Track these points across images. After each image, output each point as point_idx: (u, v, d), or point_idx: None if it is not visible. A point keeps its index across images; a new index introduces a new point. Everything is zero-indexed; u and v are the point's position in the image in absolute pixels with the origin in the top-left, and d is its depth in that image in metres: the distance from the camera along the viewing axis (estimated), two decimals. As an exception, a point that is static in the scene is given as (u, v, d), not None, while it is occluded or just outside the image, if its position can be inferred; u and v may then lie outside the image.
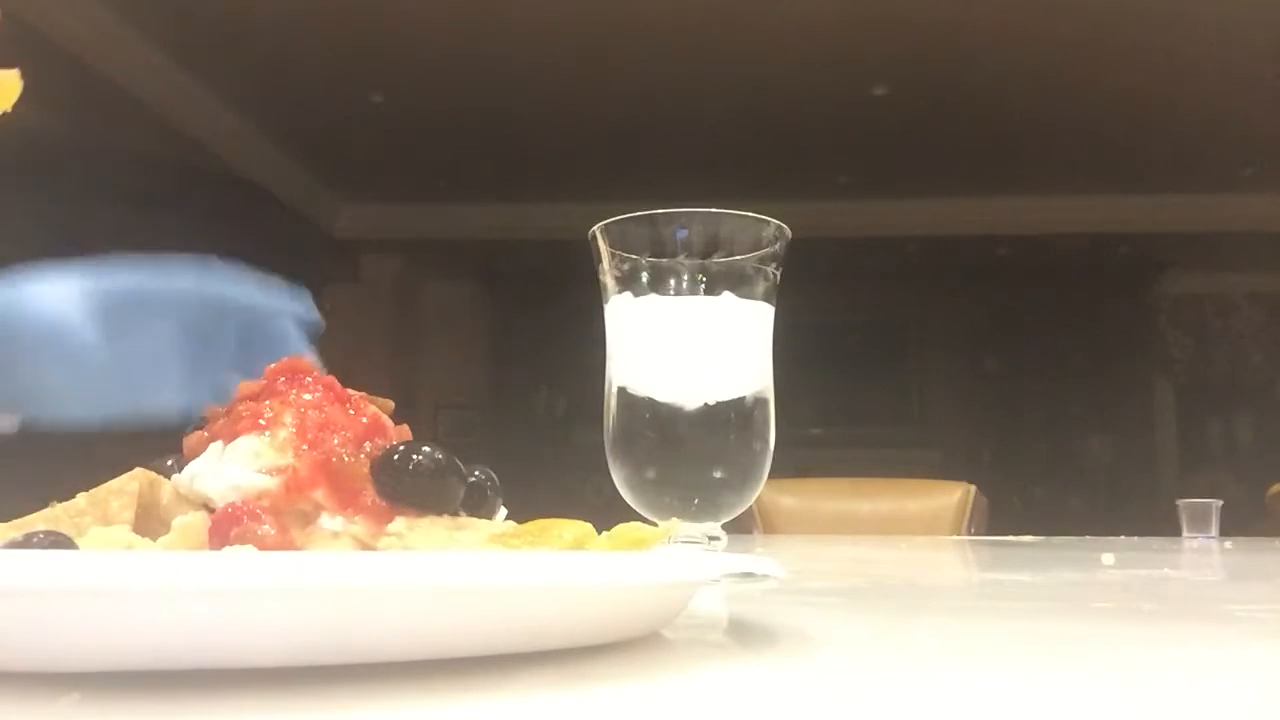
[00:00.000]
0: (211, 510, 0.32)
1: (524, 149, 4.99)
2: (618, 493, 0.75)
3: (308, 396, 0.34)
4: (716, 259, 0.74)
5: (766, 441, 0.75)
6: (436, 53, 4.07)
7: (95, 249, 0.47)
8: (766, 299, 0.76)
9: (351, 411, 0.35)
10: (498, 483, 0.36)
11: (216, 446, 0.33)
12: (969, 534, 2.00)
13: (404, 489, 0.32)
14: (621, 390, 0.75)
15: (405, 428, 0.37)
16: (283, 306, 0.49)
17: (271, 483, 0.32)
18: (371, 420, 0.35)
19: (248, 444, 0.32)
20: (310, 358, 0.42)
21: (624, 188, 3.01)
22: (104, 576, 0.22)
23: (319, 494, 0.32)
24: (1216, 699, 0.26)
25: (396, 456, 0.33)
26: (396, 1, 3.69)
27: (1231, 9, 3.64)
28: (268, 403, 0.34)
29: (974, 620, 0.45)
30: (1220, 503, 1.70)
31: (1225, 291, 6.00)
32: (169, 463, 0.35)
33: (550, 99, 4.46)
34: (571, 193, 4.53)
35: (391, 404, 0.37)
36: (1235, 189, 5.25)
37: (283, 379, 0.35)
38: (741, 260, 0.75)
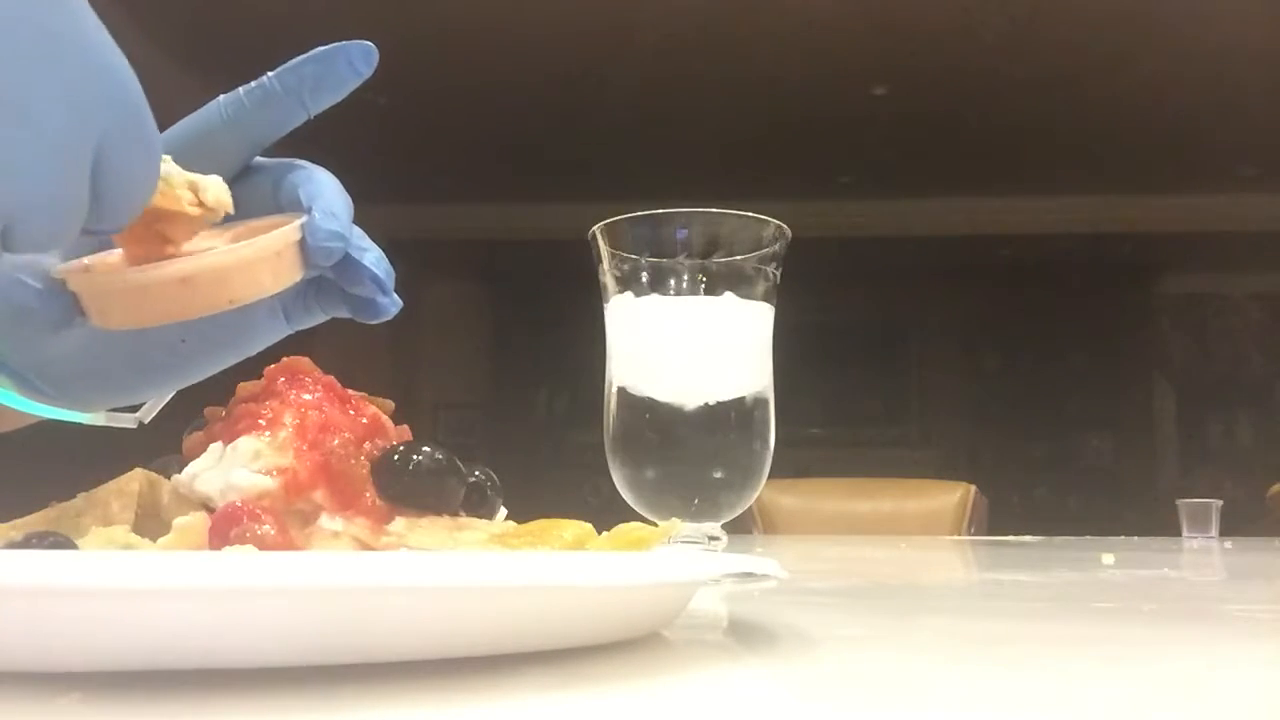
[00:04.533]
0: (211, 510, 0.32)
1: (524, 149, 4.99)
2: (618, 493, 0.75)
3: (308, 397, 0.34)
4: (717, 259, 0.74)
5: (766, 441, 0.75)
6: (437, 53, 4.07)
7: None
8: (766, 299, 0.76)
9: (351, 412, 0.35)
10: (498, 483, 0.36)
11: (216, 447, 0.33)
12: (969, 534, 2.00)
13: (404, 489, 0.32)
14: (621, 390, 0.75)
15: (405, 428, 0.37)
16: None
17: (271, 483, 0.32)
18: (371, 420, 0.35)
19: (248, 444, 0.32)
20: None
21: (624, 188, 3.02)
22: (104, 576, 0.22)
23: (319, 494, 0.32)
24: (1216, 699, 0.26)
25: (396, 457, 0.33)
26: (397, 2, 3.70)
27: (1231, 10, 3.64)
28: (267, 403, 0.34)
29: (974, 620, 0.45)
30: (1220, 503, 1.70)
31: (1225, 291, 5.99)
32: (169, 463, 0.35)
33: (550, 99, 4.46)
34: (571, 193, 4.53)
35: (391, 404, 0.37)
36: (1235, 189, 5.25)
37: (283, 379, 0.35)
38: (742, 260, 0.75)
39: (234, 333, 0.42)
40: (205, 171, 0.37)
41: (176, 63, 3.91)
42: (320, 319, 0.43)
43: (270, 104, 0.38)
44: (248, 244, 0.35)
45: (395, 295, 0.41)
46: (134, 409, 0.43)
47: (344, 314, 0.42)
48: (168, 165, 0.33)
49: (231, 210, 0.35)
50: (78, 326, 0.36)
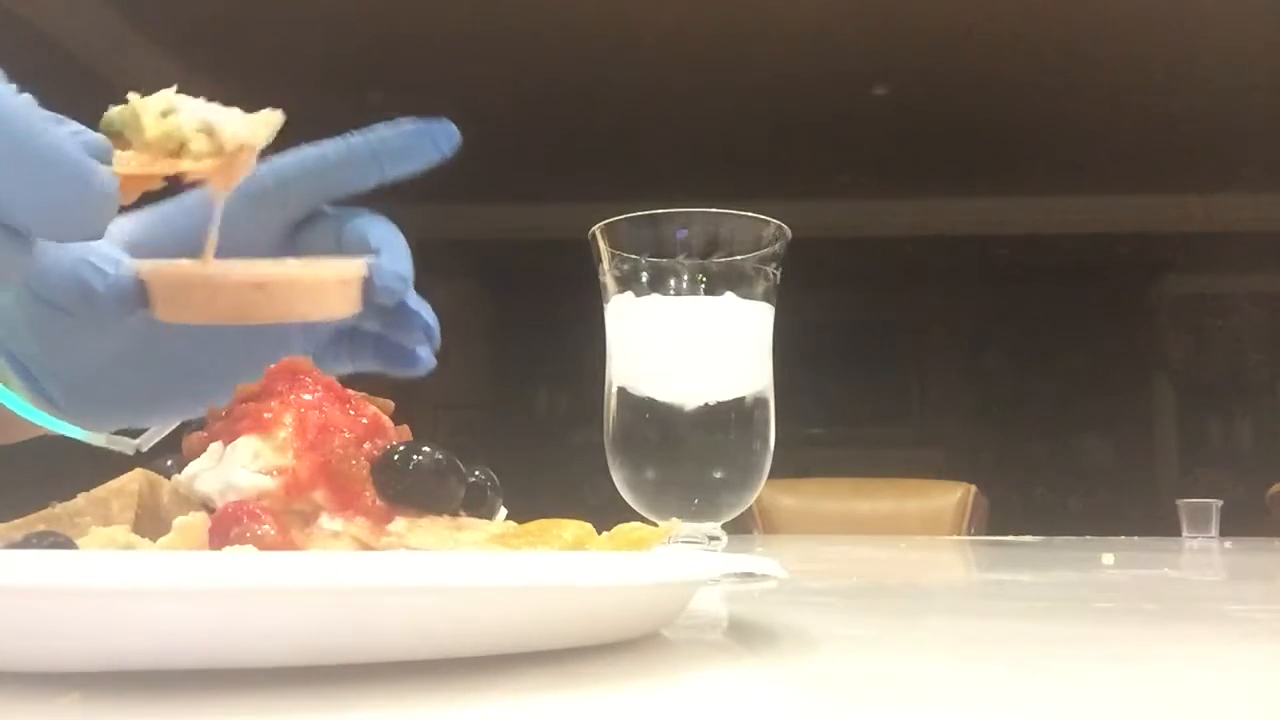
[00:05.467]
0: (211, 510, 0.32)
1: (523, 149, 4.99)
2: (618, 493, 0.75)
3: (307, 397, 0.34)
4: (717, 259, 0.74)
5: (766, 441, 0.75)
6: (436, 53, 4.07)
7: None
8: (766, 299, 0.76)
9: (351, 412, 0.34)
10: (498, 483, 0.36)
11: (216, 447, 0.33)
12: (969, 534, 2.00)
13: (404, 489, 0.32)
14: (621, 390, 0.75)
15: (405, 428, 0.37)
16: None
17: (271, 483, 0.32)
18: (371, 420, 0.35)
19: (248, 444, 0.32)
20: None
21: (624, 188, 3.02)
22: (104, 576, 0.22)
23: (319, 494, 0.32)
24: (1216, 699, 0.26)
25: (396, 457, 0.33)
26: (396, 2, 3.69)
27: (1231, 10, 3.63)
28: (268, 403, 0.34)
29: (974, 620, 0.45)
30: (1220, 503, 1.70)
31: (1225, 291, 5.99)
32: (169, 463, 0.35)
33: (550, 99, 4.46)
34: (571, 193, 4.53)
35: (391, 404, 0.37)
36: (1235, 189, 5.25)
37: (283, 379, 0.35)
38: (742, 260, 0.75)
39: (261, 369, 0.43)
40: (275, 217, 0.40)
41: (175, 62, 3.91)
42: (347, 369, 0.45)
43: (352, 164, 0.40)
44: (322, 263, 0.37)
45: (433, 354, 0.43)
46: (134, 434, 0.43)
47: (372, 368, 0.44)
48: (174, 100, 0.33)
49: (256, 144, 0.35)
50: (136, 317, 0.37)
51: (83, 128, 0.33)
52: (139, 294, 0.37)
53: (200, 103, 0.35)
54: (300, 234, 0.42)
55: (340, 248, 0.41)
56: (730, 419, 0.73)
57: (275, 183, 0.41)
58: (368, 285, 0.38)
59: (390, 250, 0.40)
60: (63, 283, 0.38)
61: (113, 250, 0.38)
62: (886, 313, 6.02)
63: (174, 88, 0.35)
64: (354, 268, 0.38)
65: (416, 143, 0.41)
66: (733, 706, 0.25)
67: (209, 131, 0.34)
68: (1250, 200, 5.34)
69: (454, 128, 0.41)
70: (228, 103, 0.37)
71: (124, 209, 0.35)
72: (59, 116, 0.32)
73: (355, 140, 0.40)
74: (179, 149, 0.34)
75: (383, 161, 0.40)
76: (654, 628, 0.33)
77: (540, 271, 5.39)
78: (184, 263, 0.38)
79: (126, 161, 0.33)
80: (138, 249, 0.39)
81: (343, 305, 0.37)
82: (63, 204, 0.31)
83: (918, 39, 3.95)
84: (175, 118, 0.34)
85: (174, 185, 0.37)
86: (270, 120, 0.36)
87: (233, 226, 0.38)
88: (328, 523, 0.32)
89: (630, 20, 3.87)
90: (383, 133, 0.40)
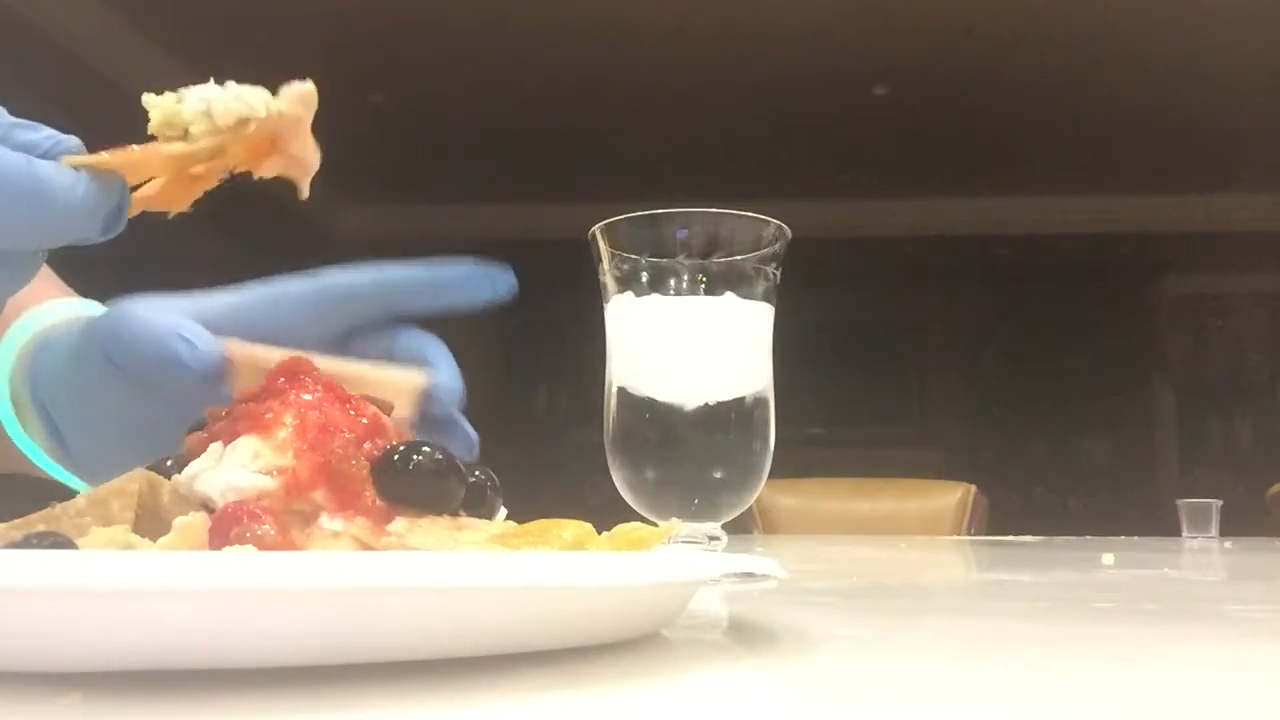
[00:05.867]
0: (211, 510, 0.32)
1: (523, 149, 4.99)
2: (618, 493, 0.75)
3: (307, 397, 0.34)
4: (717, 259, 0.74)
5: (766, 441, 0.75)
6: (436, 53, 4.07)
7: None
8: (766, 299, 0.76)
9: (352, 412, 0.34)
10: (498, 483, 0.36)
11: (216, 447, 0.33)
12: (969, 534, 2.00)
13: (404, 489, 0.32)
14: (621, 390, 0.75)
15: (405, 428, 0.37)
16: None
17: (271, 483, 0.32)
18: (371, 420, 0.35)
19: (248, 444, 0.32)
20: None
21: (624, 188, 3.02)
22: (104, 576, 0.22)
23: (319, 494, 0.32)
24: (1216, 699, 0.26)
25: (396, 457, 0.33)
26: (396, 1, 3.70)
27: (1231, 10, 3.63)
28: (268, 403, 0.34)
29: (974, 620, 0.45)
30: (1220, 503, 1.70)
31: (1225, 291, 5.99)
32: (169, 463, 0.35)
33: (550, 98, 4.46)
34: (571, 193, 4.53)
35: (392, 404, 0.37)
36: (1235, 189, 5.25)
37: (283, 379, 0.35)
38: (742, 260, 0.75)
39: None
40: (336, 321, 0.42)
41: (176, 62, 3.91)
42: None
43: (415, 289, 0.44)
44: (392, 369, 0.40)
45: None
46: None
47: None
48: (186, 91, 0.34)
49: (249, 115, 0.35)
50: (217, 390, 0.40)
51: (55, 132, 0.33)
52: (220, 372, 0.39)
53: (210, 87, 0.35)
54: (353, 340, 0.44)
55: (391, 359, 0.43)
56: (730, 419, 0.73)
57: (345, 290, 0.44)
58: (423, 396, 0.40)
59: (445, 366, 0.43)
60: (149, 350, 0.40)
61: (198, 326, 0.41)
62: (886, 313, 6.02)
63: (209, 81, 0.35)
64: (417, 377, 0.40)
65: (476, 282, 0.43)
66: (733, 706, 0.25)
67: (208, 112, 0.34)
68: (1250, 200, 5.34)
69: (513, 276, 0.44)
70: None
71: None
72: (32, 124, 0.33)
73: (421, 269, 0.44)
74: (183, 135, 0.34)
75: (441, 292, 0.43)
76: (654, 628, 0.33)
77: (540, 271, 5.38)
78: (266, 348, 0.40)
79: (100, 154, 0.34)
80: (216, 328, 0.41)
81: (401, 411, 0.39)
82: (26, 216, 0.31)
83: (918, 39, 3.95)
84: (178, 105, 0.34)
85: (238, 183, 0.37)
86: (297, 93, 0.36)
87: (294, 323, 0.41)
88: (328, 523, 0.32)
89: (630, 20, 3.88)
90: (448, 267, 0.44)
